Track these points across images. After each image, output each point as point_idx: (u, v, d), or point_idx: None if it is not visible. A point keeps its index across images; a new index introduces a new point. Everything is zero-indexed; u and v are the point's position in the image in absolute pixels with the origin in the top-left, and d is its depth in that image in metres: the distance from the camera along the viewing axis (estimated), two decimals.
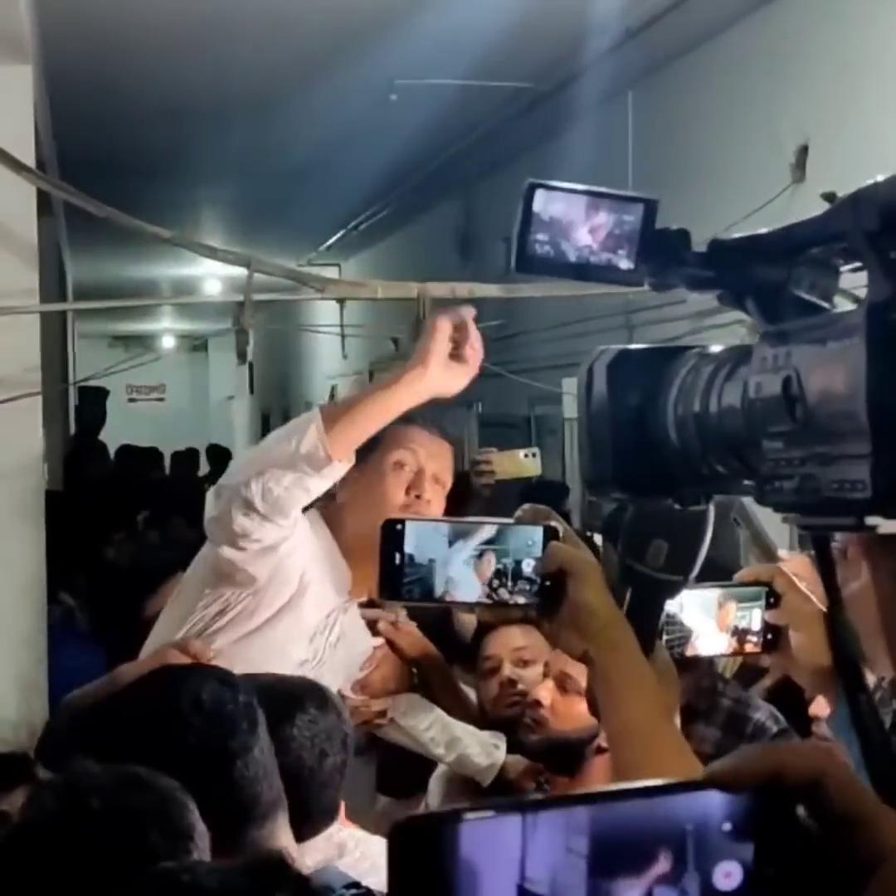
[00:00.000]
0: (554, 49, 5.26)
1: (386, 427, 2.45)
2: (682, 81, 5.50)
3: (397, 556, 1.31)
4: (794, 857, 0.62)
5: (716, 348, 0.93)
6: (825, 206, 0.86)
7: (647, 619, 1.36)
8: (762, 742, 2.45)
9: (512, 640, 2.87)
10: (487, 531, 1.32)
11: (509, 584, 1.32)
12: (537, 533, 1.33)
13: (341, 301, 4.52)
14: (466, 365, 2.28)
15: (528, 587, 1.32)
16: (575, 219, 0.91)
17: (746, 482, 0.88)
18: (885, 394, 0.73)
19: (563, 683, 2.50)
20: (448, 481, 2.56)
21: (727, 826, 0.61)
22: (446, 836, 0.56)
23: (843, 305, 0.88)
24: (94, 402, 11.39)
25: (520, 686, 2.82)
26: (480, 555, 1.31)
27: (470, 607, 1.35)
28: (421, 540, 1.31)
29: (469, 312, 2.31)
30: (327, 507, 2.53)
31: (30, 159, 4.00)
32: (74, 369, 10.54)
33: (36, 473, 4.08)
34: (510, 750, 2.70)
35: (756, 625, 1.68)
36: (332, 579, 2.48)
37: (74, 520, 5.47)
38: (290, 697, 2.03)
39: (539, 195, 0.90)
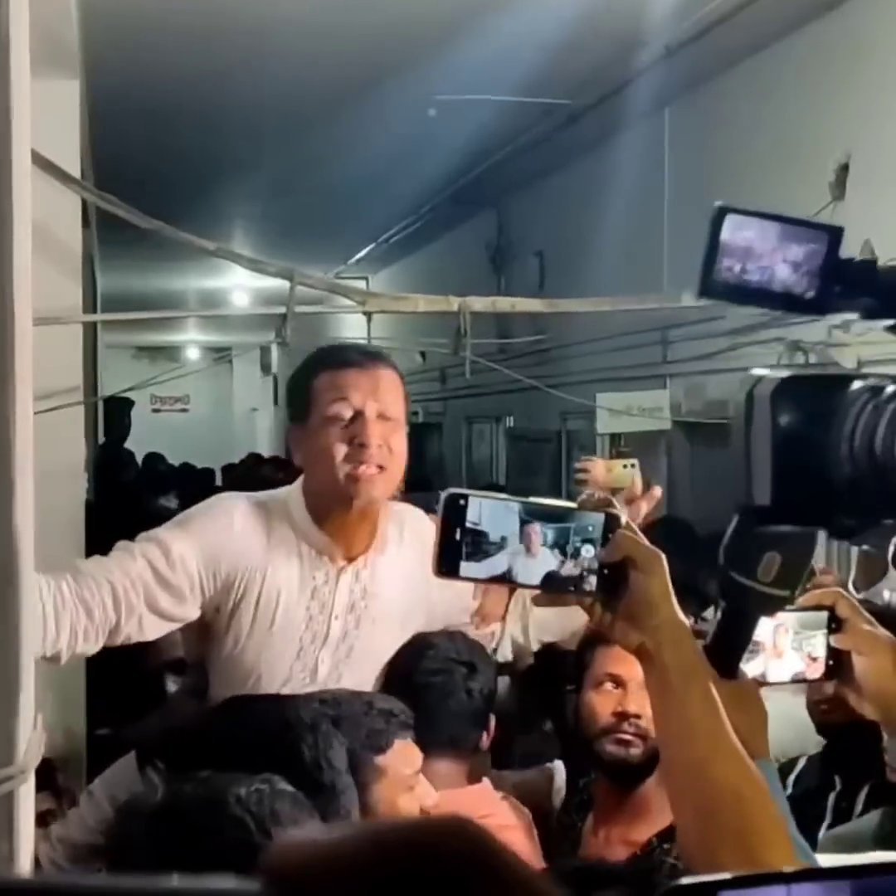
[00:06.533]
0: (592, 66, 5.28)
1: (319, 375, 2.40)
2: (719, 99, 5.51)
3: (458, 531, 1.28)
4: None
5: (891, 388, 0.91)
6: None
7: (740, 636, 1.33)
8: None
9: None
10: (554, 513, 1.31)
11: (569, 567, 1.29)
12: (599, 520, 1.31)
13: (369, 314, 4.54)
14: None
15: (585, 573, 1.30)
16: (762, 246, 0.91)
17: None
18: None
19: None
20: (398, 412, 2.42)
21: None
22: None
23: None
24: (120, 412, 11.46)
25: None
26: (527, 522, 1.29)
27: (530, 589, 1.33)
28: (495, 517, 1.28)
29: None
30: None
31: (76, 172, 4.03)
32: (101, 380, 10.59)
33: (79, 482, 4.10)
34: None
35: (819, 650, 1.63)
36: (301, 556, 2.44)
37: (109, 529, 5.48)
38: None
39: (729, 220, 0.90)
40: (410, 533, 2.55)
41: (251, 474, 11.92)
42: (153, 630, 2.36)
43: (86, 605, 2.25)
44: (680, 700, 1.27)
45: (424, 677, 2.51)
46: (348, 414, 2.36)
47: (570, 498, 1.40)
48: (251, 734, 2.05)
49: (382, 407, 2.38)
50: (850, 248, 3.88)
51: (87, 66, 4.68)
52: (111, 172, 6.22)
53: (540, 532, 1.29)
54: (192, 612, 2.39)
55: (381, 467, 2.37)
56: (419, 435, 11.28)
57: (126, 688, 3.60)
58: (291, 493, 2.47)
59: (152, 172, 7.05)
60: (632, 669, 2.44)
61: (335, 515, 2.42)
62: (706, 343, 5.37)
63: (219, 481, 11.80)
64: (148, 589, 2.31)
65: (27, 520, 1.28)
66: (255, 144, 6.84)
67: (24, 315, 1.24)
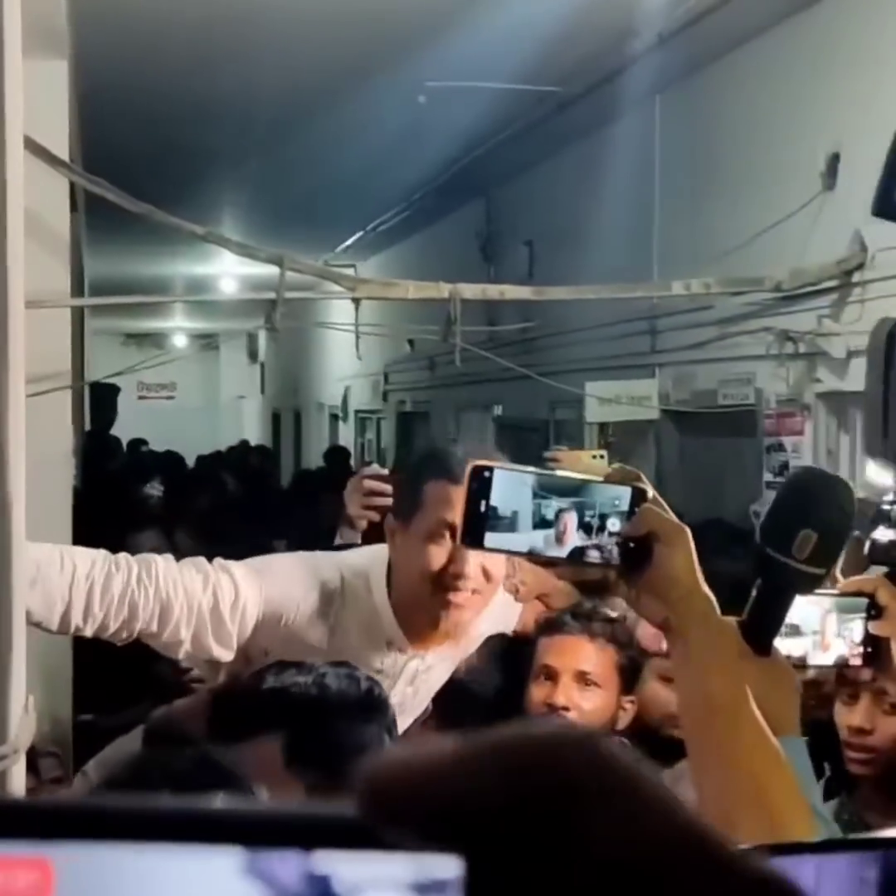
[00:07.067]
0: (583, 54, 5.26)
1: (429, 481, 2.30)
2: (710, 88, 5.50)
3: (483, 503, 1.28)
4: None
5: None
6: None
7: (775, 613, 1.33)
8: None
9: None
10: (574, 488, 1.30)
11: (594, 539, 1.29)
12: (625, 493, 1.30)
13: (357, 301, 4.53)
14: None
15: (609, 547, 1.29)
16: None
17: None
18: None
19: (582, 679, 2.47)
20: None
21: None
22: None
23: None
24: (106, 399, 11.44)
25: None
26: (564, 510, 1.28)
27: (552, 562, 1.32)
28: (507, 490, 1.28)
29: None
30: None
31: (64, 154, 4.00)
32: (88, 367, 10.55)
33: (66, 469, 4.09)
34: None
35: (857, 636, 1.65)
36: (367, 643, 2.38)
37: (95, 517, 5.46)
38: None
39: None
40: (489, 616, 2.49)
41: (240, 461, 11.92)
42: (184, 656, 2.34)
43: (132, 609, 2.22)
44: (703, 673, 1.27)
45: (469, 675, 2.55)
46: (449, 534, 2.27)
47: None
48: (349, 689, 1.92)
49: None
50: (841, 239, 3.90)
51: (76, 48, 4.65)
52: (100, 156, 6.19)
53: (575, 520, 1.28)
54: (228, 656, 2.34)
55: (474, 591, 2.29)
56: (407, 424, 11.28)
57: (123, 672, 3.59)
58: (375, 570, 2.39)
59: (140, 158, 7.02)
60: (564, 662, 2.48)
61: (417, 623, 2.35)
62: (695, 332, 5.37)
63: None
64: (200, 624, 2.27)
65: (19, 504, 1.27)
66: (245, 130, 6.82)
67: (17, 299, 1.23)
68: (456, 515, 2.20)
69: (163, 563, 2.28)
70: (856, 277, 4.25)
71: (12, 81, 1.27)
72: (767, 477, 4.81)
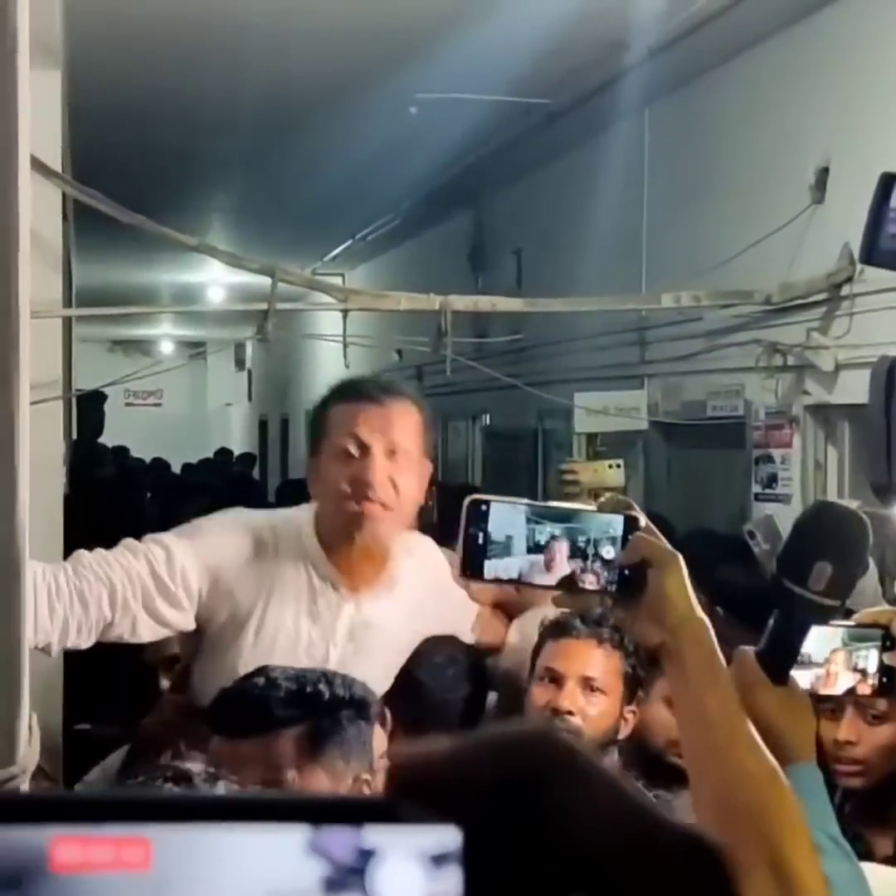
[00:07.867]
0: (573, 66, 5.28)
1: (332, 407, 2.43)
2: (699, 100, 5.53)
3: (481, 535, 1.32)
4: None
5: None
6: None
7: (791, 642, 1.36)
8: None
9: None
10: (567, 515, 1.34)
11: (588, 566, 1.32)
12: (618, 521, 1.34)
13: (345, 311, 4.55)
14: None
15: (604, 573, 1.33)
16: None
17: None
18: None
19: (587, 685, 2.46)
20: (411, 448, 2.39)
21: None
22: None
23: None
24: (93, 406, 11.39)
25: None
26: (556, 538, 1.32)
27: (547, 589, 1.36)
28: (500, 518, 1.32)
29: None
30: None
31: (57, 165, 4.01)
32: (75, 374, 10.52)
33: (57, 477, 4.09)
34: None
35: (872, 667, 1.68)
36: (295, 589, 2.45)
37: (85, 525, 5.45)
38: None
39: None
40: (420, 568, 2.56)
41: (223, 468, 11.91)
42: (147, 633, 2.38)
43: (82, 599, 2.27)
44: (699, 695, 1.30)
45: (426, 674, 2.55)
46: (356, 450, 2.36)
47: (548, 497, 1.43)
48: (351, 689, 2.08)
49: (392, 443, 2.36)
50: (830, 252, 3.94)
51: (69, 59, 4.66)
52: (90, 166, 6.19)
53: (566, 550, 1.32)
54: (189, 623, 2.41)
55: (385, 506, 2.36)
56: None
57: (115, 681, 3.59)
58: (304, 518, 2.49)
59: (130, 167, 7.02)
60: (570, 666, 2.45)
61: (341, 548, 2.44)
62: (683, 344, 5.39)
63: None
64: (146, 591, 2.33)
65: (26, 513, 1.28)
66: (235, 140, 6.82)
67: (24, 310, 1.24)
68: (360, 430, 2.35)
69: (89, 553, 2.36)
70: (845, 291, 4.28)
71: (21, 105, 1.28)
72: (756, 488, 4.83)
